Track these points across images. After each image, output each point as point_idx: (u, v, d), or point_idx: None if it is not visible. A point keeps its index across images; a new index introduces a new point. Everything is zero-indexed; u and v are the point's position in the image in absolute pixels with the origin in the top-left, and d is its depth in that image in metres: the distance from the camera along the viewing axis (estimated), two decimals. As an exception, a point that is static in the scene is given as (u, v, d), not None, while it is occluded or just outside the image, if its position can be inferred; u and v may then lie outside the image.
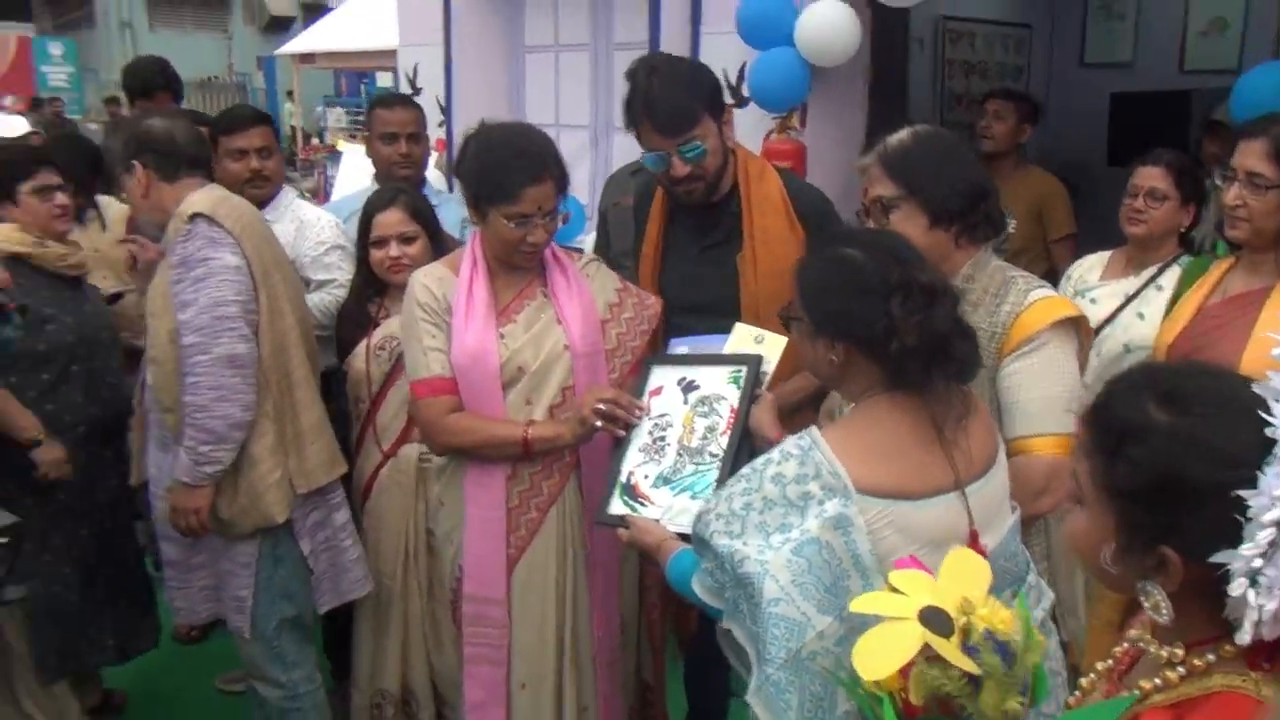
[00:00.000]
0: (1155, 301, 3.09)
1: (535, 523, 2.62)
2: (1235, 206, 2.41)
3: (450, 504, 2.70)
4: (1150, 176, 3.23)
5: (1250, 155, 2.38)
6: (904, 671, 1.34)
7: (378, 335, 3.09)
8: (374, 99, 4.16)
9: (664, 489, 2.30)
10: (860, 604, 1.46)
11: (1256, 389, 1.13)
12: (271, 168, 3.57)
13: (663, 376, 2.48)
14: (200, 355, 2.63)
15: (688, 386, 2.43)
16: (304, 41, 12.07)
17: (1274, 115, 2.49)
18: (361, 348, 3.10)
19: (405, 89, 5.85)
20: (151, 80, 4.54)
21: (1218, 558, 1.09)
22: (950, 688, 1.22)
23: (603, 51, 5.16)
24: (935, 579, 1.44)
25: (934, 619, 1.33)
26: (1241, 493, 1.07)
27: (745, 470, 1.74)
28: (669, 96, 2.62)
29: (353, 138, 11.81)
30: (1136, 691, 1.21)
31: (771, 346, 2.42)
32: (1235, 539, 1.08)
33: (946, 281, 1.79)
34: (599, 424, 2.42)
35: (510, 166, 2.47)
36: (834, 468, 1.65)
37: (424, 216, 3.18)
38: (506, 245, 2.53)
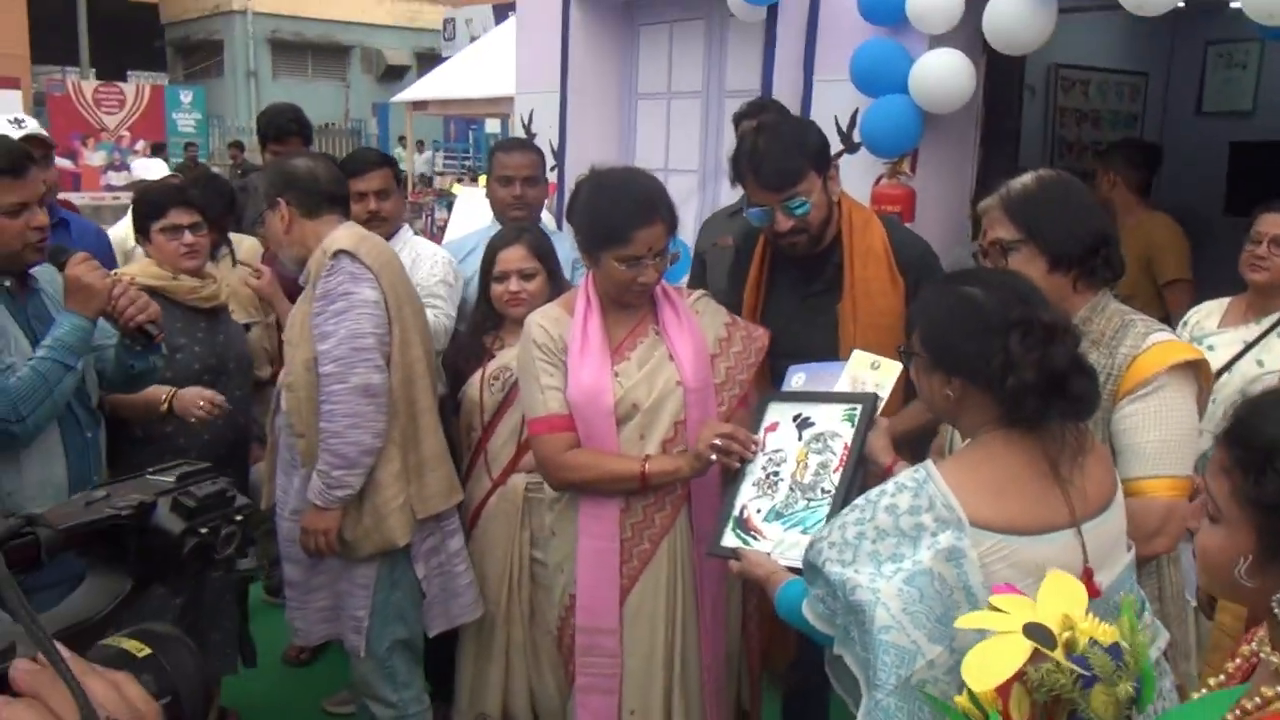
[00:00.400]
0: (1276, 349, 3.04)
1: (647, 554, 2.68)
2: None
3: (562, 535, 2.78)
4: (1275, 224, 3.19)
5: None
6: (1002, 692, 1.37)
7: (492, 366, 3.21)
8: (496, 144, 4.33)
9: (776, 523, 2.36)
10: (966, 621, 1.51)
11: None
12: (388, 209, 3.72)
13: (779, 413, 2.54)
14: (337, 384, 2.78)
15: (803, 423, 2.48)
16: (419, 89, 12.52)
17: None
18: (476, 377, 3.22)
19: (519, 134, 6.04)
20: (285, 127, 4.77)
21: None
22: (1064, 680, 1.26)
23: (714, 98, 5.27)
24: (1034, 602, 1.49)
25: (1038, 633, 1.38)
26: None
27: (859, 500, 1.78)
28: (775, 154, 2.69)
29: (459, 180, 12.18)
30: (1248, 685, 1.25)
31: (887, 373, 2.48)
32: None
33: (1068, 321, 1.81)
34: (714, 458, 2.48)
35: (621, 210, 2.55)
36: (948, 500, 1.68)
37: (545, 255, 3.30)
38: (618, 286, 2.61)
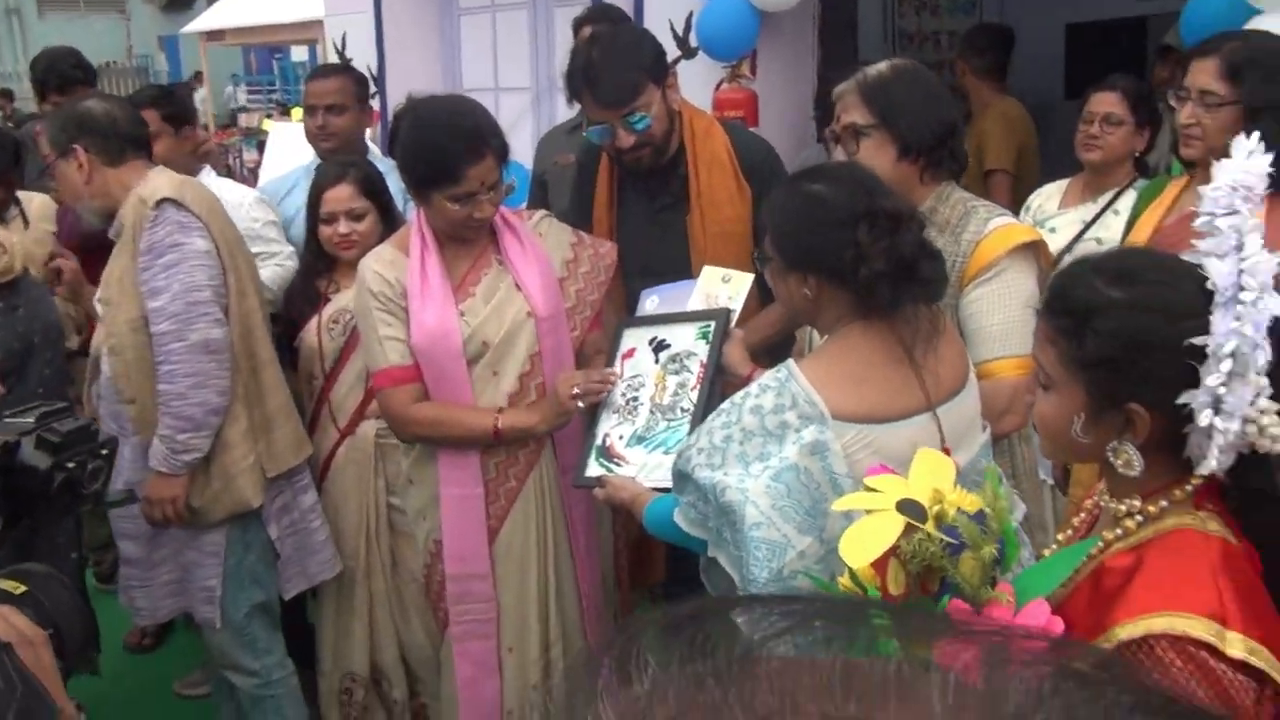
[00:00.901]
0: (1113, 226, 3.29)
1: (514, 491, 2.77)
2: (1189, 125, 2.58)
3: (420, 482, 2.83)
4: (1105, 102, 3.43)
5: (1203, 74, 2.56)
6: (879, 568, 1.51)
7: (329, 310, 3.22)
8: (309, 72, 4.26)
9: (638, 448, 2.49)
10: (842, 503, 1.65)
11: (1187, 257, 1.38)
12: (160, 151, 3.53)
13: (635, 338, 2.66)
14: (175, 342, 2.75)
15: (659, 346, 2.61)
16: (211, 18, 12.01)
17: (1225, 33, 2.67)
18: (313, 324, 3.22)
19: (333, 60, 5.93)
20: (68, 74, 4.55)
21: (1185, 398, 1.33)
22: (935, 549, 1.40)
23: (543, 9, 5.28)
24: (906, 480, 1.62)
25: (910, 508, 1.52)
26: (1195, 340, 1.32)
27: (725, 405, 1.90)
28: (611, 69, 2.76)
29: (269, 116, 11.79)
30: (1097, 538, 1.44)
31: (738, 285, 2.62)
32: (1193, 383, 1.33)
33: (913, 207, 1.95)
34: (581, 406, 2.58)
35: (448, 147, 2.55)
36: (810, 396, 1.81)
37: (375, 192, 3.29)
38: (453, 224, 2.64)
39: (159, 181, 2.85)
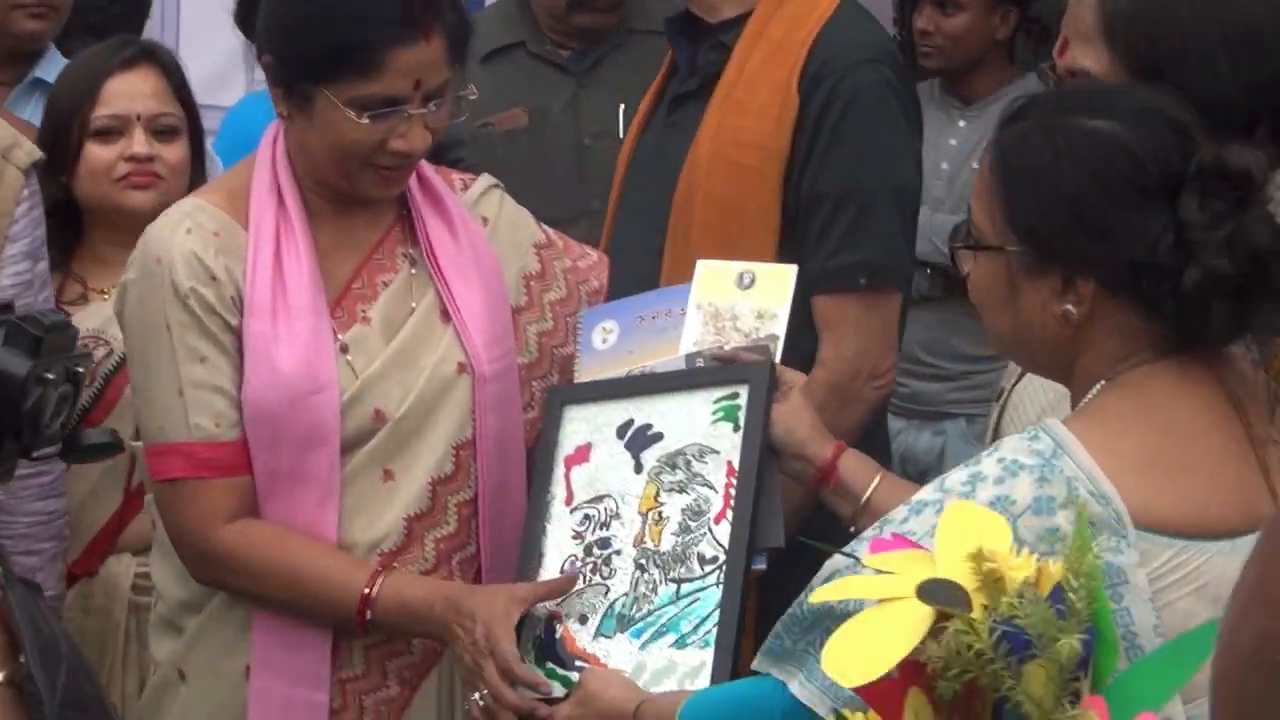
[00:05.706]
0: None
1: (396, 706, 2.27)
2: None
3: (206, 678, 2.28)
4: None
5: None
6: (887, 700, 1.43)
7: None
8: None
9: (621, 637, 2.11)
10: (822, 593, 1.56)
11: None
12: None
13: (587, 423, 2.26)
14: None
15: (639, 437, 2.19)
16: None
17: None
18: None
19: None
20: None
21: None
22: (985, 648, 1.33)
23: None
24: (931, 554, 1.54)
25: (940, 592, 1.41)
26: None
27: (928, 495, 1.67)
28: None
29: None
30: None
31: (770, 290, 2.26)
32: None
33: (1264, 160, 1.73)
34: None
35: (366, 7, 2.16)
36: (1098, 487, 1.62)
37: (188, 101, 3.00)
38: (347, 156, 2.21)
39: None
